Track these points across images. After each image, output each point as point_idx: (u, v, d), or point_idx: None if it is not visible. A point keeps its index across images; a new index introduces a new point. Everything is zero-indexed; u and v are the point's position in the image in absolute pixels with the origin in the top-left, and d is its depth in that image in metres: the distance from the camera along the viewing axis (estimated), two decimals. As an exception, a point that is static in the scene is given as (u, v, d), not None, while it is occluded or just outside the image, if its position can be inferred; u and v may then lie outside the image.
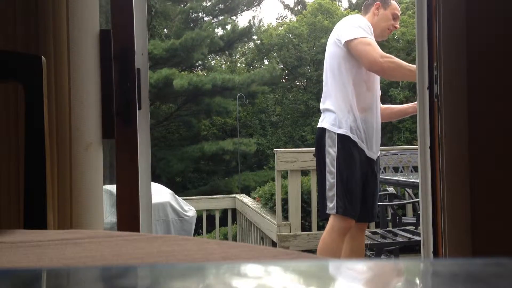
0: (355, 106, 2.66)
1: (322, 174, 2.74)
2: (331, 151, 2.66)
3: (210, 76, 13.23)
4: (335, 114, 2.68)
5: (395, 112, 3.05)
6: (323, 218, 2.83)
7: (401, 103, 14.00)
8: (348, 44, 2.64)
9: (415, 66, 2.35)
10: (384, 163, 4.84)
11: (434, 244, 1.89)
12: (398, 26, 2.87)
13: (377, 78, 2.79)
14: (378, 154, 2.81)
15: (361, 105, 2.67)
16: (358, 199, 2.67)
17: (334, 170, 2.65)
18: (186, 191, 13.17)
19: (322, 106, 2.79)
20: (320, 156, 2.73)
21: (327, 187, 2.68)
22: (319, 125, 2.77)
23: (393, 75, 2.76)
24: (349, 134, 2.63)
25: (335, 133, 2.65)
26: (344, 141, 2.64)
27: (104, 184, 1.49)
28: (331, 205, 2.66)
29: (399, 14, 2.87)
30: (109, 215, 2.00)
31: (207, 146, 13.27)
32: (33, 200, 0.97)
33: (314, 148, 2.84)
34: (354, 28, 2.65)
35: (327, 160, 2.68)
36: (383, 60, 2.61)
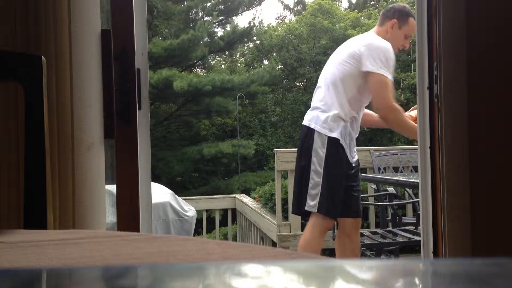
0: (348, 114, 2.76)
1: (303, 171, 2.81)
2: (320, 152, 2.73)
3: (210, 77, 13.22)
4: (328, 117, 2.74)
5: (375, 121, 3.07)
6: (296, 213, 2.97)
7: (402, 105, 14.01)
8: (368, 74, 2.72)
9: (416, 125, 2.49)
10: (384, 163, 4.84)
11: (434, 244, 1.89)
12: (407, 46, 2.86)
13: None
14: (357, 157, 2.93)
15: (352, 114, 2.78)
16: (340, 200, 2.77)
17: (321, 170, 2.72)
18: (186, 191, 13.17)
19: (315, 103, 2.85)
20: (304, 153, 2.80)
21: (310, 185, 2.75)
22: (307, 123, 2.82)
23: (392, 127, 2.90)
24: (339, 138, 2.73)
25: (325, 135, 2.72)
26: (333, 144, 2.72)
27: (105, 184, 1.49)
28: (312, 203, 2.74)
29: (413, 34, 2.81)
30: (109, 215, 1.99)
31: (206, 149, 13.26)
32: (33, 200, 0.97)
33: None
34: (381, 61, 2.70)
35: (314, 159, 2.74)
36: (390, 111, 2.74)
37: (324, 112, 2.76)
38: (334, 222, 2.83)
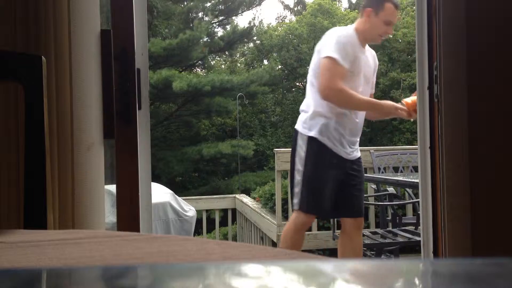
0: (329, 111, 2.75)
1: (291, 172, 2.90)
2: (301, 151, 2.79)
3: (209, 77, 13.21)
4: (307, 116, 2.80)
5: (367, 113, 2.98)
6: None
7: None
8: (321, 59, 2.73)
9: (367, 99, 2.66)
10: (384, 163, 4.84)
11: (434, 244, 1.89)
12: (390, 32, 2.80)
13: (357, 85, 2.78)
14: (358, 155, 2.89)
15: (336, 111, 2.75)
16: (325, 198, 2.80)
17: (302, 169, 2.79)
18: (186, 191, 13.16)
19: (301, 105, 2.93)
20: (292, 154, 2.89)
21: (294, 184, 2.84)
22: (296, 126, 2.91)
23: (345, 108, 2.78)
24: (317, 136, 2.75)
25: (305, 135, 2.78)
26: (313, 143, 2.76)
27: (104, 184, 1.49)
28: (295, 201, 2.84)
29: (394, 19, 2.78)
30: (109, 215, 1.99)
31: (206, 149, 13.25)
32: (33, 200, 0.97)
33: None
34: (331, 46, 2.71)
35: (296, 159, 2.83)
36: (329, 92, 2.67)
37: (305, 112, 2.83)
38: (314, 218, 2.93)
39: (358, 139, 2.90)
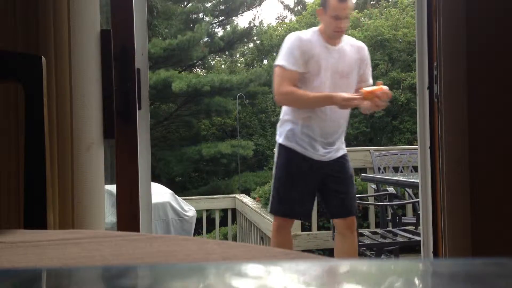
0: (294, 116, 2.81)
1: None
2: (275, 157, 2.94)
3: (209, 77, 13.20)
4: (278, 123, 2.94)
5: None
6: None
7: (402, 105, 13.99)
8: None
9: (314, 94, 2.70)
10: (384, 163, 4.84)
11: (434, 244, 1.89)
12: (342, 26, 2.77)
13: (321, 83, 2.77)
14: (338, 154, 2.88)
15: (301, 115, 2.81)
16: (294, 201, 2.90)
17: (274, 174, 2.97)
18: (186, 191, 13.15)
19: None
20: None
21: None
22: None
23: (295, 107, 2.85)
24: (285, 143, 2.84)
25: (277, 142, 2.90)
26: (282, 149, 2.87)
27: (104, 184, 1.49)
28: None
29: (341, 13, 2.76)
30: (109, 215, 2.00)
31: (206, 149, 13.25)
32: (33, 200, 0.97)
33: None
34: (280, 53, 2.82)
35: (274, 166, 3.00)
36: (280, 96, 2.80)
37: (280, 120, 2.96)
38: (288, 220, 3.02)
39: (338, 139, 2.87)
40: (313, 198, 3.02)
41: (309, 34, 2.83)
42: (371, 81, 2.94)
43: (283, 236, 3.01)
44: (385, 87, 2.72)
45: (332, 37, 2.81)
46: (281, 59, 2.76)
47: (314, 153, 2.81)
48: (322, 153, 2.83)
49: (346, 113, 2.88)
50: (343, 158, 2.91)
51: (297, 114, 2.80)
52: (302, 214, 3.10)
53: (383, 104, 2.73)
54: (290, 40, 2.81)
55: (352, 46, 2.90)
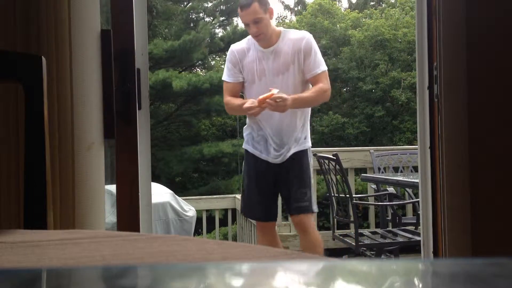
0: (250, 122, 2.95)
1: None
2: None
3: (207, 75, 13.21)
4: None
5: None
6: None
7: (402, 104, 14.00)
8: None
9: (239, 101, 2.83)
10: (384, 163, 4.84)
11: (434, 244, 1.89)
12: (254, 30, 2.80)
13: (261, 88, 2.77)
14: (289, 155, 2.86)
15: (253, 119, 2.90)
16: (254, 203, 3.01)
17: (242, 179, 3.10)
18: (186, 191, 13.15)
19: None
20: None
21: None
22: None
23: (234, 114, 3.17)
24: (245, 147, 3.01)
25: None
26: (245, 153, 3.05)
27: (104, 184, 1.49)
28: None
29: (245, 19, 2.82)
30: (109, 215, 2.00)
31: (206, 149, 13.25)
32: (33, 200, 0.97)
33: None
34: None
35: None
36: (225, 107, 3.00)
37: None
38: (272, 223, 3.08)
39: (291, 138, 2.85)
40: (276, 199, 3.12)
41: (244, 42, 2.97)
42: (322, 68, 2.83)
43: (267, 237, 3.08)
44: (276, 91, 2.68)
45: (257, 42, 2.86)
46: (224, 74, 2.94)
47: (267, 156, 2.90)
48: (274, 156, 2.89)
49: (299, 112, 2.85)
50: (295, 155, 2.87)
51: (250, 120, 2.94)
52: (269, 215, 3.08)
53: (280, 105, 2.68)
54: (228, 53, 3.01)
55: (290, 40, 2.84)
